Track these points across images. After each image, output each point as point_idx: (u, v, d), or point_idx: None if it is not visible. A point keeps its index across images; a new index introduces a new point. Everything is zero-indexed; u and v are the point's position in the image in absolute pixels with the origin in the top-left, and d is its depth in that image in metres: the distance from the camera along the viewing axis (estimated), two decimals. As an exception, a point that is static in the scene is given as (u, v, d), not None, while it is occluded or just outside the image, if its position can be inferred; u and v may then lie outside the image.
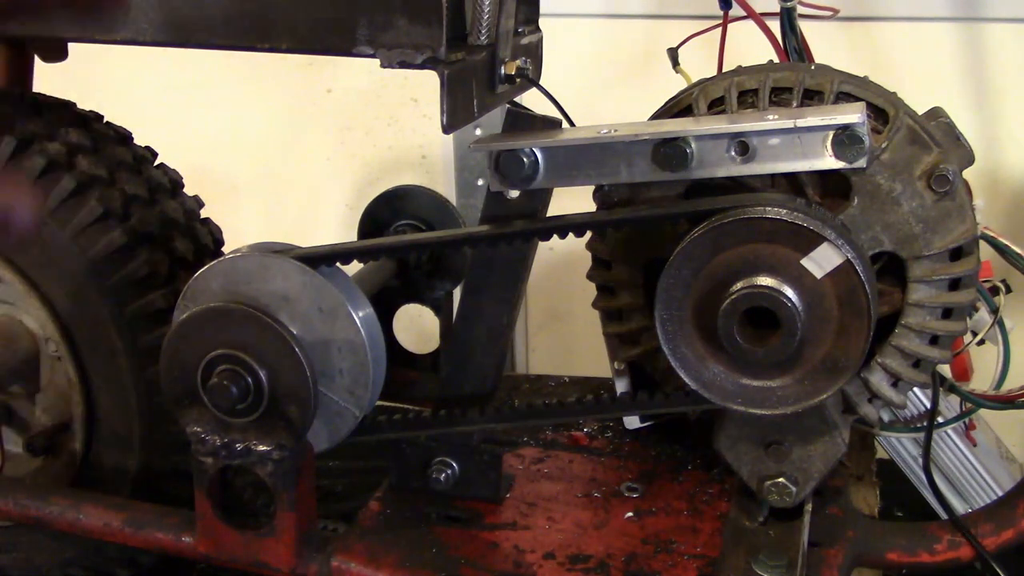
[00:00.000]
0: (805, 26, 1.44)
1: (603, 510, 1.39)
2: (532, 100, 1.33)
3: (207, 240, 1.56)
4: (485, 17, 1.22)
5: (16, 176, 1.42)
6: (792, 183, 1.24)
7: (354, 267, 1.37)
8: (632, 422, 1.56)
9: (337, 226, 2.40)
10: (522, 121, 1.27)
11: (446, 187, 2.31)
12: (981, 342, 1.38)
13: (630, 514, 1.38)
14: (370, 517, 1.38)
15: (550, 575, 1.27)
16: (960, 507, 1.54)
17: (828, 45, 1.58)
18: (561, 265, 2.20)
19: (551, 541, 1.33)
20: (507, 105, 1.31)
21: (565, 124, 1.27)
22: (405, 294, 1.55)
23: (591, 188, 1.29)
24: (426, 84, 1.23)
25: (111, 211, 1.43)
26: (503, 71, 1.26)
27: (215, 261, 1.27)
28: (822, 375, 1.17)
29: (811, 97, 1.24)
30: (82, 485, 1.52)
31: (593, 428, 1.58)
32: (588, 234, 1.27)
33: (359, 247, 1.32)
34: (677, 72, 1.50)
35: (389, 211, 1.53)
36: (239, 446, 1.26)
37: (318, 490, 1.33)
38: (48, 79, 1.62)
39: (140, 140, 1.58)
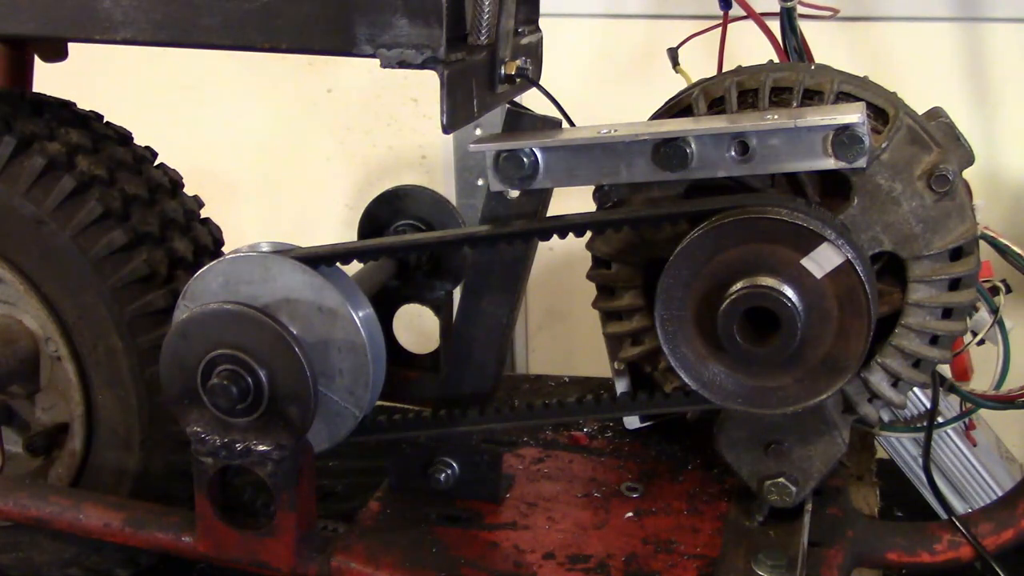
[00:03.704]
0: (805, 26, 1.44)
1: (603, 510, 1.39)
2: (532, 100, 1.33)
3: (207, 240, 1.56)
4: (485, 17, 1.22)
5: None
6: (792, 183, 1.24)
7: (354, 267, 1.37)
8: (632, 422, 1.56)
9: (337, 226, 2.40)
10: (522, 121, 1.27)
11: (446, 187, 2.30)
12: (981, 342, 1.38)
13: (630, 514, 1.38)
14: (370, 517, 1.38)
15: (550, 575, 1.27)
16: (960, 507, 1.54)
17: (828, 45, 1.58)
18: (561, 265, 2.20)
19: (551, 541, 1.33)
20: (507, 105, 1.31)
21: (565, 124, 1.27)
22: (405, 294, 1.55)
23: (591, 188, 1.29)
24: (426, 84, 1.24)
25: (111, 211, 1.43)
26: (503, 71, 1.26)
27: (215, 261, 1.27)
28: (822, 375, 1.17)
29: (811, 97, 1.24)
30: (82, 485, 1.52)
31: (593, 428, 1.58)
32: (588, 234, 1.27)
33: (359, 247, 1.32)
34: (677, 72, 1.50)
35: (389, 211, 1.53)
36: (239, 446, 1.26)
37: (318, 490, 1.33)
38: (48, 79, 1.62)
39: (140, 140, 1.58)
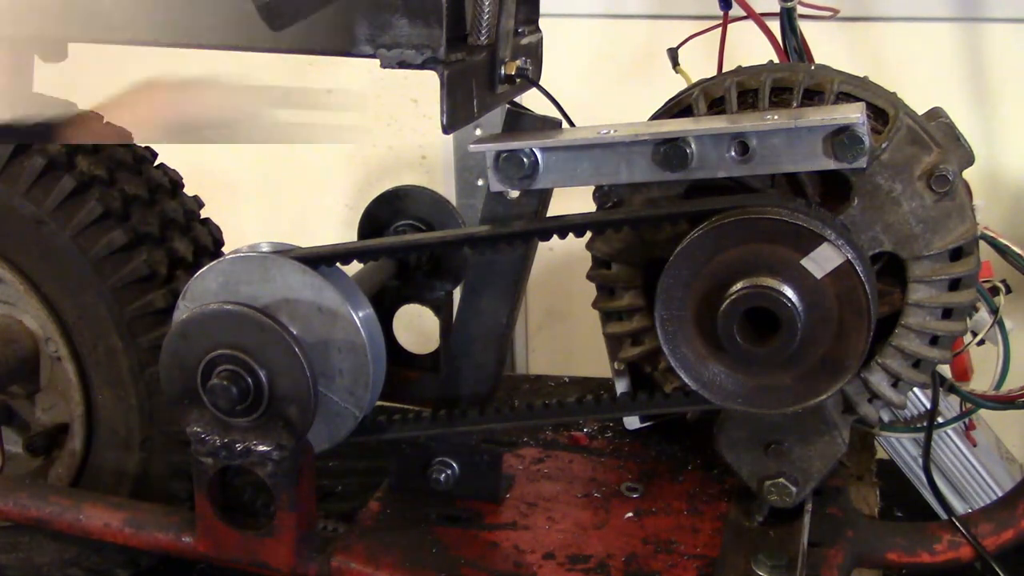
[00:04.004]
0: (805, 26, 1.43)
1: (603, 510, 1.39)
2: (532, 100, 1.33)
3: (207, 240, 1.56)
4: (485, 17, 1.22)
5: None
6: (792, 183, 1.24)
7: (354, 267, 1.37)
8: (632, 422, 1.56)
9: (337, 226, 2.40)
10: (522, 121, 1.27)
11: (446, 187, 2.30)
12: (981, 342, 1.38)
13: (630, 514, 1.38)
14: (370, 517, 1.38)
15: (550, 575, 1.27)
16: (960, 507, 1.54)
17: (828, 45, 1.58)
18: (561, 265, 2.20)
19: (551, 541, 1.32)
20: (507, 105, 1.31)
21: (565, 124, 1.27)
22: (405, 294, 1.55)
23: (591, 188, 1.29)
24: (426, 84, 1.23)
25: (111, 211, 1.43)
26: (503, 71, 1.26)
27: (215, 261, 1.27)
28: (822, 375, 1.17)
29: (811, 97, 1.24)
30: (82, 485, 1.52)
31: (593, 428, 1.58)
32: (588, 234, 1.27)
33: (359, 247, 1.32)
34: (677, 72, 1.50)
35: (389, 211, 1.53)
36: (239, 446, 1.26)
37: (318, 490, 1.33)
38: (48, 79, 1.62)
39: (140, 140, 1.58)
